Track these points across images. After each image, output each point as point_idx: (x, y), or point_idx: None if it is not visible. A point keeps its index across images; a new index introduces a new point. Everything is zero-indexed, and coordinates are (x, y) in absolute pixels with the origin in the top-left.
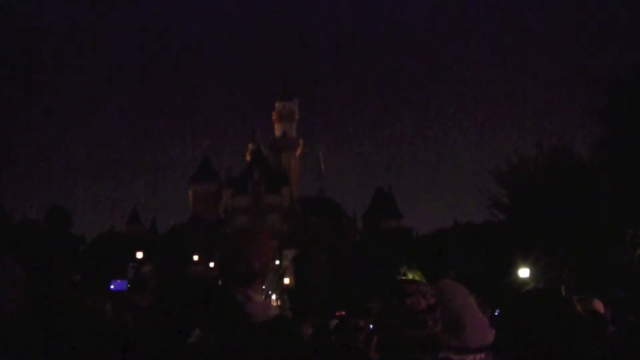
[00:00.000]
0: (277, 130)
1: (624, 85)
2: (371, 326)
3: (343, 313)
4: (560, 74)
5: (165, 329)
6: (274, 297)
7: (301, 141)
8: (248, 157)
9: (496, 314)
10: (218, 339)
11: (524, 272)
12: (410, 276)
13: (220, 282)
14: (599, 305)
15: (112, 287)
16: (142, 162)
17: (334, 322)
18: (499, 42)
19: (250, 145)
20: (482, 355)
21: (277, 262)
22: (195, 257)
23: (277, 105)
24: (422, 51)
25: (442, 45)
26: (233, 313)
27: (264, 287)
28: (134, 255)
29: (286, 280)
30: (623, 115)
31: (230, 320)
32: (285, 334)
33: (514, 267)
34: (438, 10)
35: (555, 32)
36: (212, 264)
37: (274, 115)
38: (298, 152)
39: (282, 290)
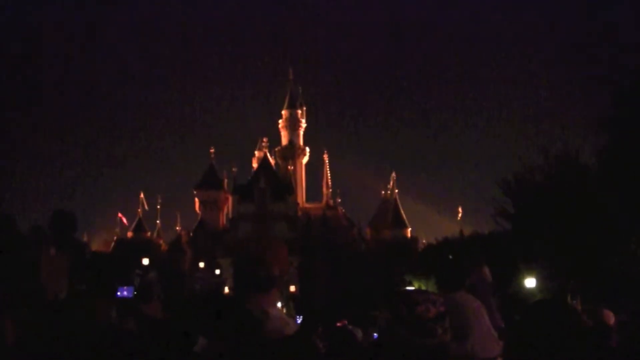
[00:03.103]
0: (284, 138)
1: (629, 94)
2: (375, 335)
3: (345, 322)
4: (566, 82)
5: (172, 339)
6: (279, 304)
7: (307, 149)
8: (254, 165)
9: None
10: (226, 350)
11: (530, 282)
12: (416, 285)
13: (234, 290)
14: (608, 316)
15: (117, 293)
16: (149, 168)
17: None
18: (504, 49)
19: (257, 153)
20: None
21: None
22: (201, 264)
23: (284, 113)
24: (427, 59)
25: (448, 54)
26: (250, 330)
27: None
28: (140, 262)
29: (292, 288)
30: (628, 124)
31: (246, 337)
32: (300, 354)
33: (519, 277)
34: (443, 18)
35: (560, 40)
36: (217, 271)
37: (281, 123)
38: (304, 160)
39: (287, 298)
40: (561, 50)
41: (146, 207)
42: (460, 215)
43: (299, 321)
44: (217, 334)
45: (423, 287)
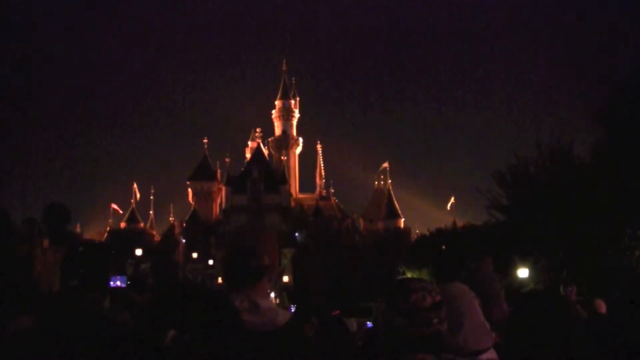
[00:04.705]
0: (277, 129)
1: (624, 87)
2: (369, 324)
3: (337, 312)
4: (560, 76)
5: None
6: (272, 295)
7: (301, 140)
8: (248, 156)
9: None
10: (197, 342)
11: (522, 273)
12: (409, 275)
13: (224, 281)
14: (600, 306)
15: (110, 283)
16: (142, 159)
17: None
18: (499, 43)
19: (250, 144)
20: (483, 356)
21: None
22: (194, 255)
23: (277, 103)
24: (423, 52)
25: (443, 46)
26: (229, 324)
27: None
28: (133, 252)
29: (285, 279)
30: (623, 117)
31: (224, 331)
32: (292, 345)
33: (512, 268)
34: (439, 10)
35: (556, 34)
36: (210, 262)
37: (274, 114)
38: (297, 150)
39: (281, 289)
40: (557, 44)
41: (138, 196)
42: (450, 204)
43: (292, 310)
44: (188, 325)
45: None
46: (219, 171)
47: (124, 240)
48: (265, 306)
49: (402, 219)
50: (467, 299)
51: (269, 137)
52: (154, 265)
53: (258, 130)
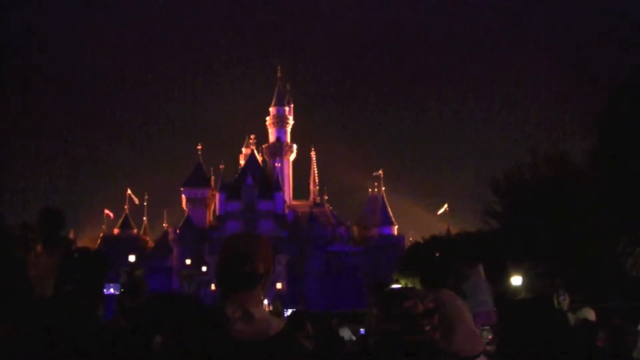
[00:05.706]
0: (271, 136)
1: (620, 94)
2: (362, 331)
3: (332, 319)
4: (557, 83)
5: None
6: (266, 302)
7: (295, 147)
8: (242, 163)
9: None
10: (181, 347)
11: (516, 280)
12: (403, 283)
13: (217, 287)
14: (590, 314)
15: (104, 290)
16: (135, 165)
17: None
18: (494, 48)
19: (244, 150)
20: None
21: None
22: (188, 262)
23: (272, 110)
24: (417, 56)
25: (439, 51)
26: (218, 335)
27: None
28: (127, 258)
29: (279, 286)
30: (618, 124)
31: (214, 342)
32: (284, 355)
33: (506, 275)
34: (434, 17)
35: (552, 40)
36: (204, 268)
37: (268, 121)
38: (291, 157)
39: (275, 295)
40: (553, 50)
41: (136, 201)
42: (442, 210)
43: (286, 315)
44: (176, 334)
45: (410, 285)
46: (212, 177)
47: (117, 246)
48: (258, 315)
49: (396, 226)
50: (457, 305)
51: (263, 144)
52: (147, 272)
53: (252, 136)
